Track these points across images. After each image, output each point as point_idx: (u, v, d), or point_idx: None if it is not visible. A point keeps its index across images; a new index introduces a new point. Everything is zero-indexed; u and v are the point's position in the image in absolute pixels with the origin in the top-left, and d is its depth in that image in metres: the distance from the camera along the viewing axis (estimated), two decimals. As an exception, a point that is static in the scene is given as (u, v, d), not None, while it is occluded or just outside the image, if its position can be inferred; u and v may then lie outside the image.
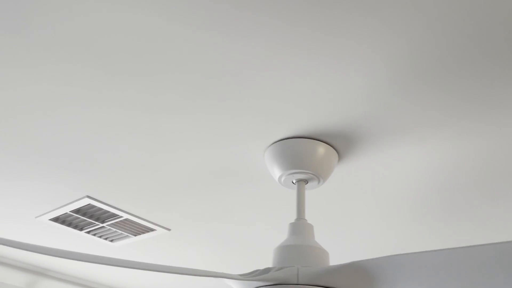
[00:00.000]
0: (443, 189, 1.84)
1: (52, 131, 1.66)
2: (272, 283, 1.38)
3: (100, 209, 2.16)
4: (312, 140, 1.63)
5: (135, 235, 2.40)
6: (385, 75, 1.33)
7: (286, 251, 1.50)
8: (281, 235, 2.32)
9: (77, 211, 2.18)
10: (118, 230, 2.34)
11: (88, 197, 2.07)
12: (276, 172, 1.66)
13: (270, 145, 1.67)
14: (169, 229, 2.31)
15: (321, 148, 1.62)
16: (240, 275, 1.43)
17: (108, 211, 2.17)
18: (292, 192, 1.93)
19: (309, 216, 2.11)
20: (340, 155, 1.68)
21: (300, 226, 1.55)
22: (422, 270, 1.30)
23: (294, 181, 1.66)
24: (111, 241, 2.51)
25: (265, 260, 2.62)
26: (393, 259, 1.28)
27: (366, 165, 1.73)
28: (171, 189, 1.97)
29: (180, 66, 1.34)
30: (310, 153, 1.61)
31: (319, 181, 1.65)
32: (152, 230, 2.32)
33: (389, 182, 1.82)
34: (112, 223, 2.27)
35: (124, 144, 1.70)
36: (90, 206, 2.14)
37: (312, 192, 1.92)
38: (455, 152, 1.63)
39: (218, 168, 1.80)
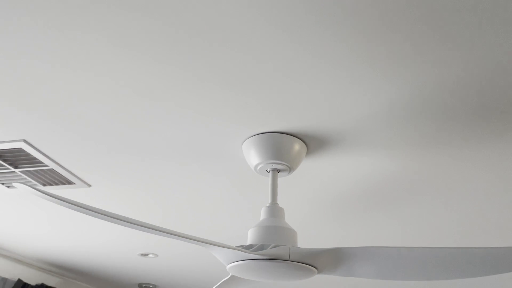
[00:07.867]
0: (374, 193, 2.20)
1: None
2: (266, 258, 1.56)
3: (29, 155, 2.03)
4: (290, 136, 1.83)
5: (44, 185, 2.29)
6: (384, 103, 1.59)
7: (265, 231, 1.69)
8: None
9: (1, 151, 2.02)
10: (28, 178, 2.21)
11: (25, 141, 1.95)
12: (253, 160, 1.82)
13: (253, 135, 1.82)
14: (89, 185, 2.27)
15: (297, 144, 1.83)
16: (238, 246, 1.58)
17: (36, 159, 2.06)
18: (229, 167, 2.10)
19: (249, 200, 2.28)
20: (308, 151, 1.91)
21: (275, 210, 1.75)
22: (383, 260, 1.61)
23: (268, 170, 1.84)
24: (8, 186, 2.35)
25: (192, 221, 2.70)
26: (368, 250, 1.56)
27: (320, 164, 1.99)
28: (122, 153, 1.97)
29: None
30: (288, 147, 1.81)
31: (289, 171, 1.85)
32: (70, 183, 2.25)
33: (329, 182, 2.11)
34: (29, 170, 2.15)
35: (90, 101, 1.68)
36: (19, 151, 2.01)
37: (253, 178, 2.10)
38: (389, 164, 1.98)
39: (188, 141, 1.87)
